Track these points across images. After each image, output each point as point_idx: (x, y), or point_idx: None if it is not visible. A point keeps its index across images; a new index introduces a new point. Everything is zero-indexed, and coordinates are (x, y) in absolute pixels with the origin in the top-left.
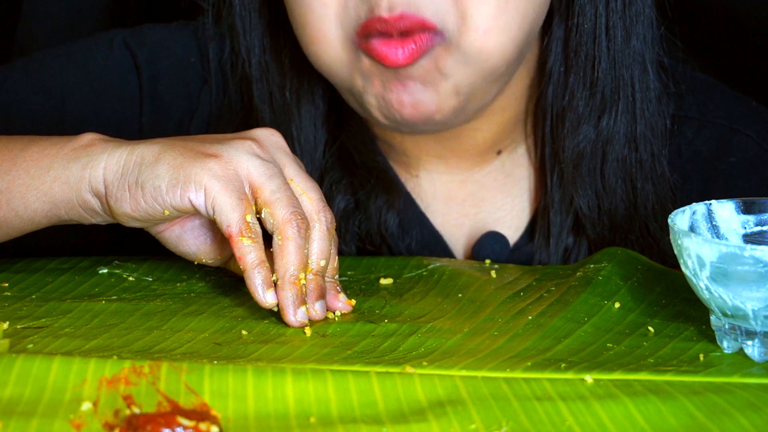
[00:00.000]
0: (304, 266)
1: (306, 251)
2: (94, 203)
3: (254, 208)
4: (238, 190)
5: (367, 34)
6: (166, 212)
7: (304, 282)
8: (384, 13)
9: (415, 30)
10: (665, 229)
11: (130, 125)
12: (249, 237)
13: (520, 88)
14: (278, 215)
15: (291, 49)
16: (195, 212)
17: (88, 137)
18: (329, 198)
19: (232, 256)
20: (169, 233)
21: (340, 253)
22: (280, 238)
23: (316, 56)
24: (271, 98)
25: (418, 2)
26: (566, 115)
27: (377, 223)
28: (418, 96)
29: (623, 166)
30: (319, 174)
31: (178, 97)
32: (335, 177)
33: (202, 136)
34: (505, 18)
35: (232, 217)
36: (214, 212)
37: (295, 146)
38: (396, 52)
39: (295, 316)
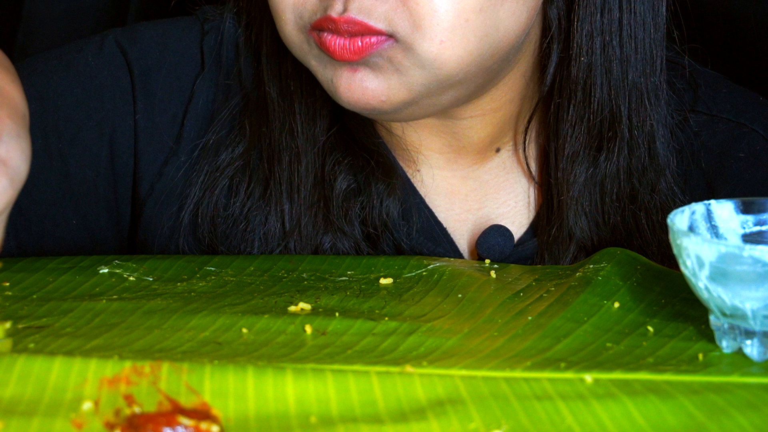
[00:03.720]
0: None
1: None
2: None
3: None
4: None
5: (319, 29)
6: None
7: None
8: (334, 14)
9: (364, 33)
10: (665, 259)
11: (124, 123)
12: None
13: (513, 92)
14: None
15: None
16: None
17: None
18: (331, 178)
19: None
20: None
21: (344, 234)
22: None
23: (279, 33)
24: (279, 74)
25: (370, 9)
26: (565, 148)
27: (378, 209)
28: (367, 84)
29: (621, 200)
30: (320, 153)
31: (172, 91)
32: (338, 157)
33: None
34: (462, 32)
35: None
36: None
37: (296, 122)
38: (343, 48)
39: None
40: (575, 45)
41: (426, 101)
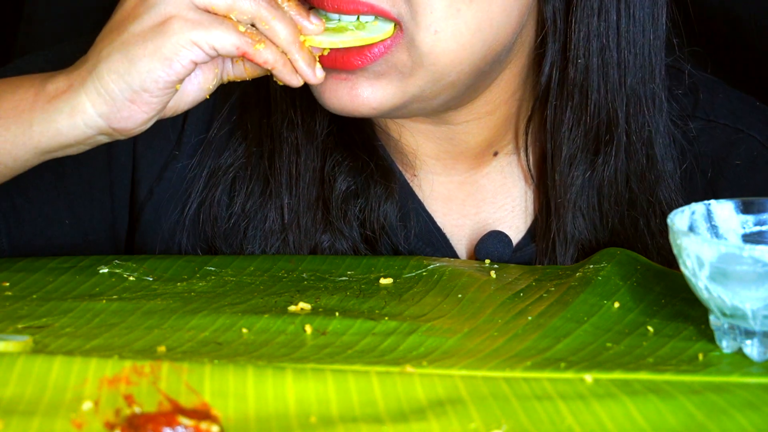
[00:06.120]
0: (296, 30)
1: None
2: (103, 138)
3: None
4: (213, 20)
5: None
6: (178, 86)
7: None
8: None
9: (365, 12)
10: (665, 265)
11: None
12: (259, 41)
13: (506, 93)
14: (247, 11)
15: None
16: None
17: (52, 86)
18: (332, 177)
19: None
20: (172, 103)
21: (342, 235)
22: (263, 24)
23: None
24: None
25: None
26: (562, 150)
27: (377, 212)
28: (360, 91)
29: (620, 203)
30: (320, 149)
31: None
32: (338, 157)
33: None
34: (456, 23)
35: (232, 39)
36: (217, 51)
37: (297, 115)
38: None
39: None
40: (572, 47)
41: (415, 105)
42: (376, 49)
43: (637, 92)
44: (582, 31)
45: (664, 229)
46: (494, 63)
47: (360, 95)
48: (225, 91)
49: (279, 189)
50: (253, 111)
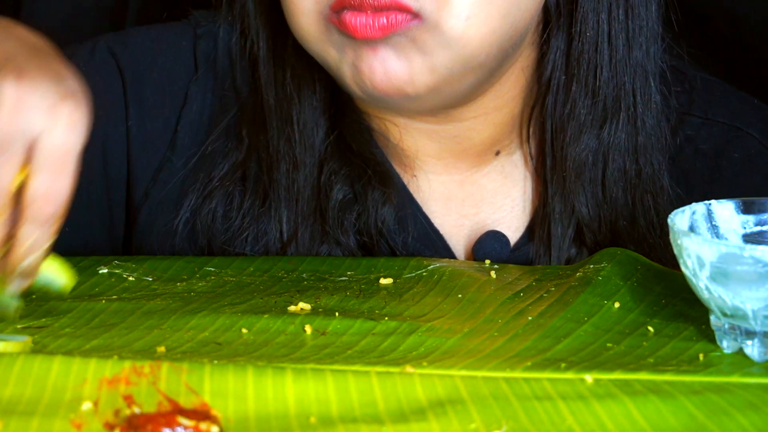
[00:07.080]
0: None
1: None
2: None
3: None
4: None
5: (340, 8)
6: None
7: None
8: None
9: (390, 8)
10: (665, 242)
11: (116, 130)
12: None
13: (515, 89)
14: None
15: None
16: None
17: None
18: (328, 187)
19: None
20: None
21: (338, 244)
22: None
23: (292, 27)
24: (276, 81)
25: None
26: (568, 124)
27: (374, 217)
28: (390, 64)
29: (624, 176)
30: (317, 162)
31: (165, 97)
32: (334, 167)
33: None
34: (488, 9)
35: None
36: None
37: (294, 131)
38: (365, 25)
39: None
40: (580, 20)
41: (448, 88)
42: (385, 19)
43: (644, 65)
44: (590, 4)
45: (668, 209)
46: (515, 45)
47: (391, 69)
48: (221, 101)
49: (278, 203)
50: (251, 124)
